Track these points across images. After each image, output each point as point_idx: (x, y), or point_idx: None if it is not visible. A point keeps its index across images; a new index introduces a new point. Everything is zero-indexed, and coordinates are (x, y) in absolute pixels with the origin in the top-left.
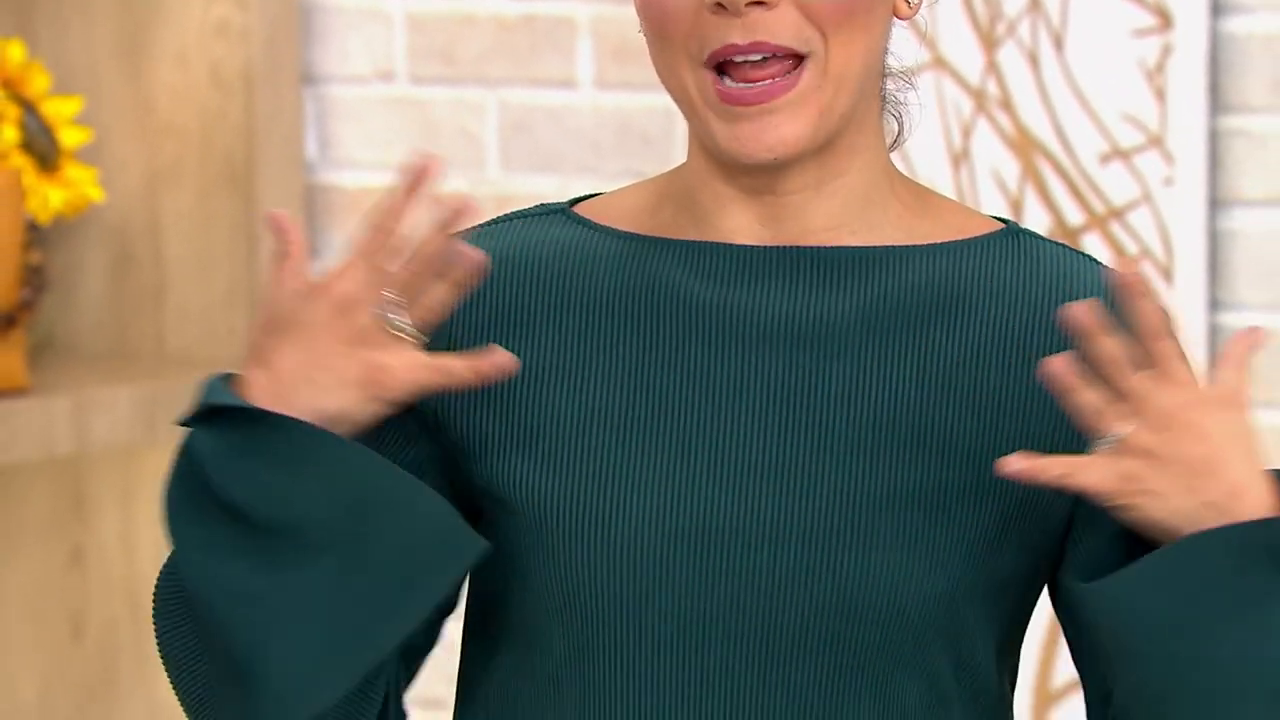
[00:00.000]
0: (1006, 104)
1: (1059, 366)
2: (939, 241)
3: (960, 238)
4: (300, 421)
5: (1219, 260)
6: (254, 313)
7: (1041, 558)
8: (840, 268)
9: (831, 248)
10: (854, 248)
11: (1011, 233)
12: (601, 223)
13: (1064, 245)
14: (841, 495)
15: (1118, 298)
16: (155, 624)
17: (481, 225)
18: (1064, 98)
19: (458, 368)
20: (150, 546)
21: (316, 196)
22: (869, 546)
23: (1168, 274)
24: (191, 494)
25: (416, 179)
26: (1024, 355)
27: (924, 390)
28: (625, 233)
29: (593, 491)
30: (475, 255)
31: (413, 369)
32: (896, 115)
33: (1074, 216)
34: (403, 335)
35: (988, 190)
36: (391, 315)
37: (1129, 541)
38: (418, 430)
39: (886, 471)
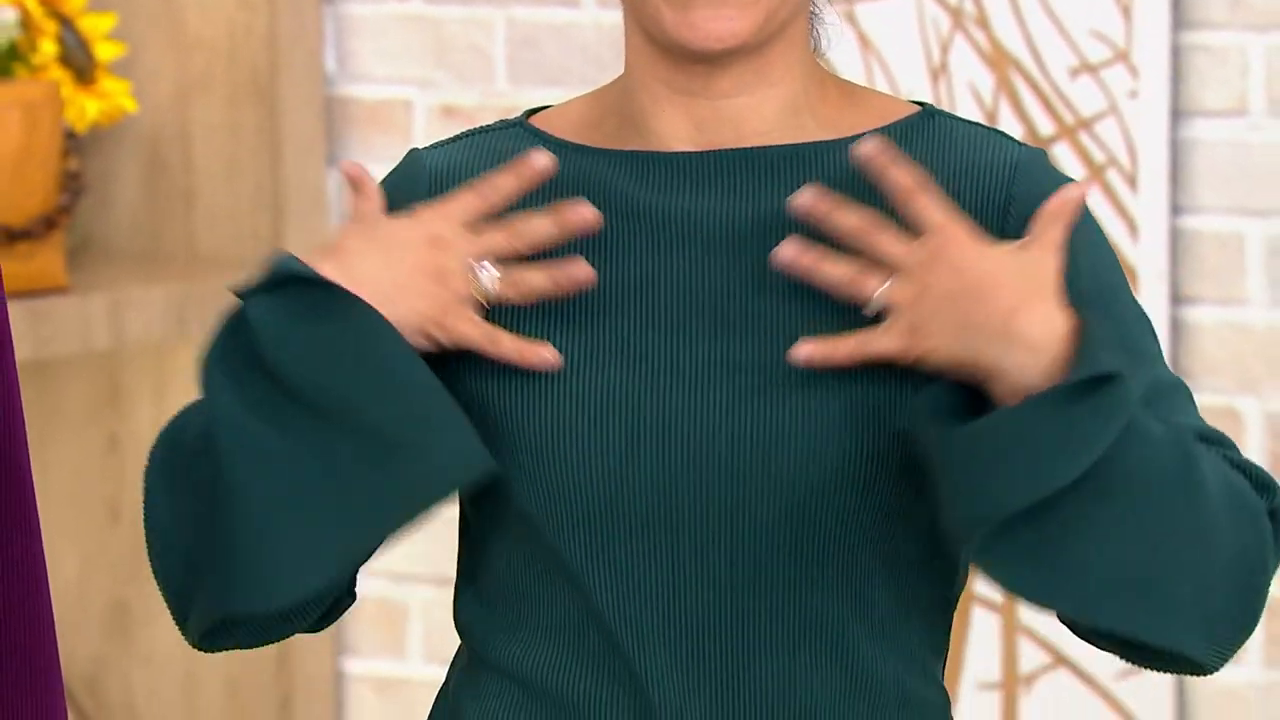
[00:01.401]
0: (983, 21)
1: (788, 255)
2: (862, 131)
3: (881, 124)
4: (370, 310)
5: (1181, 167)
6: (278, 215)
7: None
8: (771, 167)
9: (760, 148)
10: (782, 146)
11: (927, 114)
12: (554, 134)
13: (978, 124)
14: (789, 383)
15: (868, 171)
16: (146, 485)
17: (444, 141)
18: (1036, 15)
19: (506, 345)
20: None
21: (335, 108)
22: (820, 428)
23: (1133, 181)
24: (235, 352)
25: (525, 171)
26: None
27: None
28: (573, 144)
29: (554, 399)
30: (584, 270)
31: (472, 325)
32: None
33: (1045, 127)
34: (480, 295)
35: (965, 102)
36: (483, 275)
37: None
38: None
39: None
